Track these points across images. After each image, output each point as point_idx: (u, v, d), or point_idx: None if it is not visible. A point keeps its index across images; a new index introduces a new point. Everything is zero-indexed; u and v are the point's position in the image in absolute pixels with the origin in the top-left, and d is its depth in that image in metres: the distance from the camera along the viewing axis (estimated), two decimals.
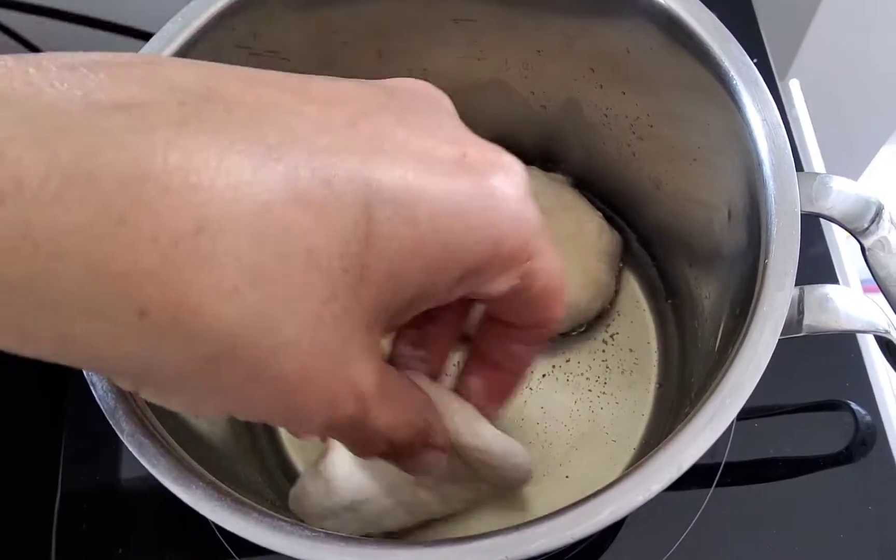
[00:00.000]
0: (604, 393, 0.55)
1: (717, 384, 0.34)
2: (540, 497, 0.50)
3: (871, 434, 0.57)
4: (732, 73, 0.39)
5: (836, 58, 0.82)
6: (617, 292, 0.58)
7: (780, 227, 0.36)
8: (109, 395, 0.36)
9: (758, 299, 0.35)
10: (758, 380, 0.34)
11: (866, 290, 0.68)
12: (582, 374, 0.56)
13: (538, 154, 0.60)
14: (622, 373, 0.56)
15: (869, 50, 0.83)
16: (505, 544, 0.31)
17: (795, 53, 0.81)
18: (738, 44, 0.40)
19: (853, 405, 0.58)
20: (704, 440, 0.33)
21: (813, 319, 0.38)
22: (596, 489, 0.32)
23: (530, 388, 0.55)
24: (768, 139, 0.38)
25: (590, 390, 0.55)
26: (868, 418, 0.57)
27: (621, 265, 0.58)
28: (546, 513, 0.32)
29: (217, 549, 0.53)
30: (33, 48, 0.81)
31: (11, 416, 0.57)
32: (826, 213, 0.39)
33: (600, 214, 0.57)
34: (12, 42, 0.79)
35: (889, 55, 0.84)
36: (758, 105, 0.38)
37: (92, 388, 0.36)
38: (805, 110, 0.71)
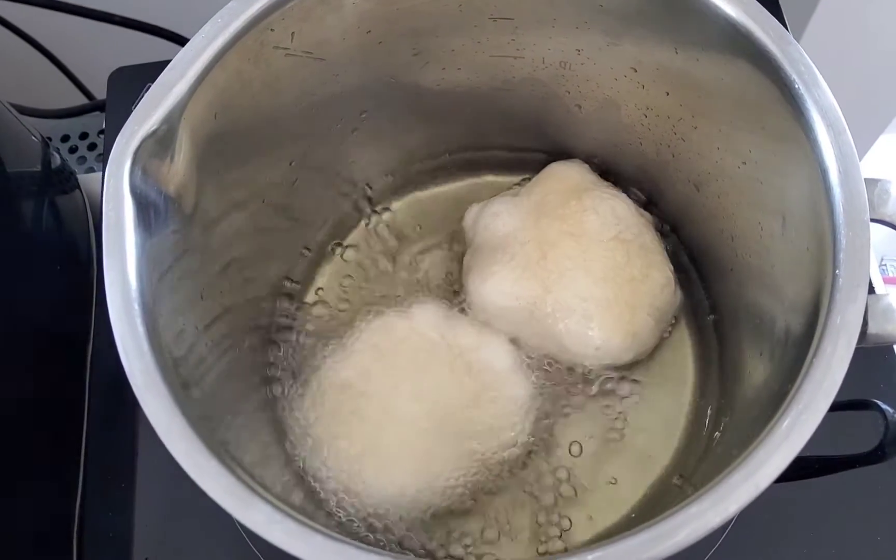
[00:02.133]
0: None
1: (790, 400, 0.33)
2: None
3: None
4: (794, 76, 0.38)
5: (836, 47, 0.82)
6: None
7: (850, 236, 0.35)
8: (162, 413, 0.34)
9: (829, 311, 0.34)
10: (833, 395, 0.33)
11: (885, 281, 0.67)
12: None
13: (552, 150, 0.60)
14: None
15: (867, 40, 0.83)
16: None
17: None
18: (799, 46, 0.39)
19: (882, 405, 0.57)
20: (781, 459, 0.32)
21: (878, 329, 0.37)
22: None
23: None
24: (834, 145, 0.37)
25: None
26: None
27: (670, 331, 0.56)
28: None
29: (246, 555, 0.52)
30: (43, 50, 0.79)
31: (29, 430, 0.55)
32: (888, 219, 0.39)
33: (672, 268, 0.55)
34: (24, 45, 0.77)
35: (887, 45, 0.84)
36: (822, 111, 0.38)
37: (144, 405, 0.34)
38: None
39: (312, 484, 0.50)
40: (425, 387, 0.51)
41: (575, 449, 0.53)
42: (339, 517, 0.49)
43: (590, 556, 0.31)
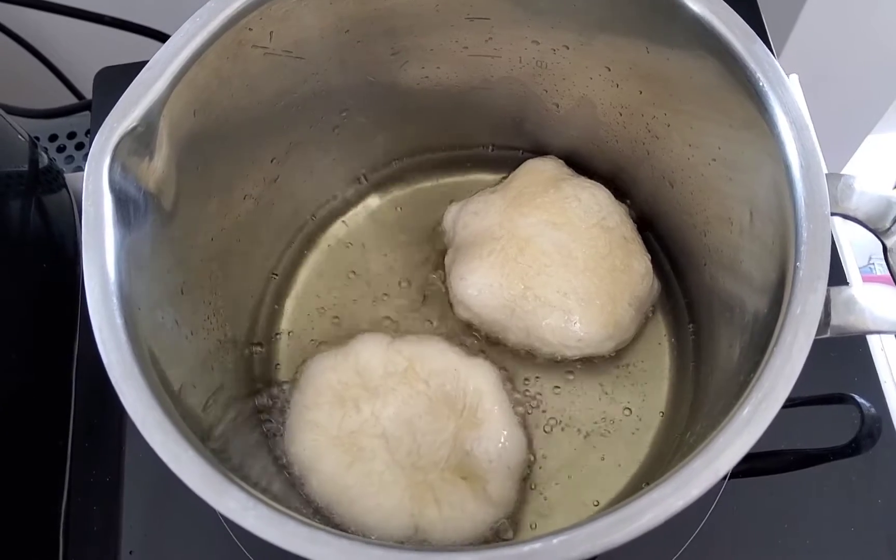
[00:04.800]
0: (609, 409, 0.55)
1: (751, 388, 0.34)
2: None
3: (877, 427, 0.57)
4: (759, 74, 0.39)
5: (823, 49, 0.83)
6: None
7: (811, 230, 0.36)
8: (139, 404, 0.35)
9: (789, 302, 0.35)
10: (792, 384, 0.34)
11: (865, 279, 0.68)
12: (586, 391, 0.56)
13: (531, 147, 0.61)
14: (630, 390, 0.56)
15: (855, 41, 0.84)
16: (545, 551, 0.32)
17: (784, 44, 0.82)
18: (764, 45, 0.40)
19: (858, 399, 0.58)
20: (742, 445, 0.33)
21: (840, 321, 0.38)
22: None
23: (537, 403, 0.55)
24: (796, 141, 0.38)
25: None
26: (873, 411, 0.58)
27: (650, 315, 0.57)
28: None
29: (230, 547, 0.53)
30: (32, 49, 0.80)
31: (15, 420, 0.56)
32: (850, 213, 0.39)
33: (650, 257, 0.56)
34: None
35: (875, 46, 0.85)
36: (784, 107, 0.39)
37: (121, 396, 0.35)
38: (805, 107, 0.71)
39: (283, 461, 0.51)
40: (422, 425, 0.50)
41: (550, 463, 0.53)
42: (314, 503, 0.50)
43: (555, 540, 0.32)
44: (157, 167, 0.42)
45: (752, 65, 0.39)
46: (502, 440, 0.50)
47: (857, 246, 0.67)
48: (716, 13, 0.41)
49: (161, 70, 0.41)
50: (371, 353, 0.52)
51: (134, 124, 0.40)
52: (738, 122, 0.42)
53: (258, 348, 0.56)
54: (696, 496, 0.32)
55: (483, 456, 0.49)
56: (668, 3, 0.42)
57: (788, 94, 0.39)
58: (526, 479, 0.52)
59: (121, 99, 0.40)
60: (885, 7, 0.79)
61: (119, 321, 0.36)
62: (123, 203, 0.39)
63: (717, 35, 0.41)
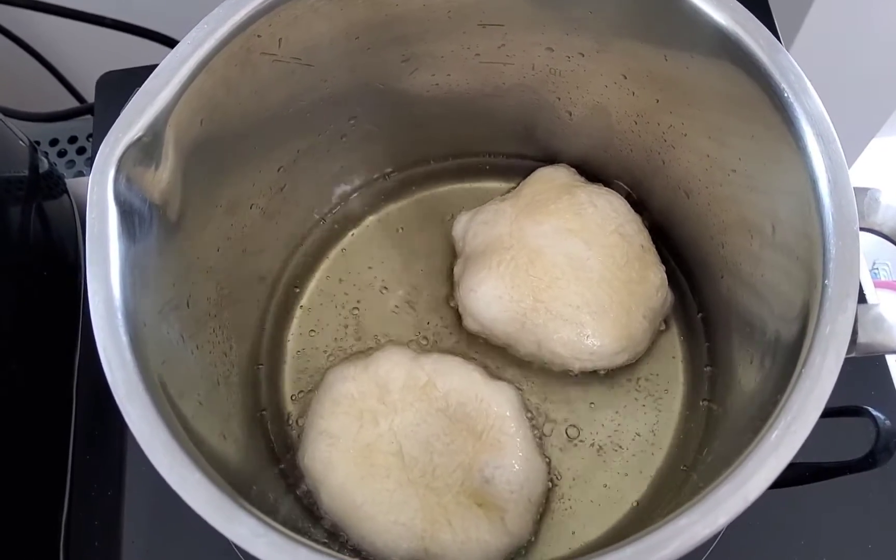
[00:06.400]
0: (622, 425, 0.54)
1: (779, 411, 0.33)
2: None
3: (894, 441, 0.56)
4: (784, 85, 0.38)
5: (828, 52, 0.82)
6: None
7: (839, 246, 0.35)
8: (145, 424, 0.34)
9: (818, 322, 0.34)
10: (823, 407, 0.33)
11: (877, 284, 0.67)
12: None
13: (542, 156, 0.60)
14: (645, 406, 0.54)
15: (860, 45, 0.83)
16: None
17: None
18: (789, 55, 0.38)
19: (874, 412, 0.57)
20: (770, 470, 0.32)
21: (868, 339, 0.37)
22: None
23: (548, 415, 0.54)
24: (824, 155, 0.37)
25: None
26: (889, 424, 0.57)
27: (663, 328, 0.56)
28: None
29: None
30: (32, 51, 0.79)
31: (14, 432, 0.55)
32: (877, 228, 0.38)
33: (664, 268, 0.54)
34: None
35: (879, 49, 0.84)
36: (811, 119, 0.37)
37: (126, 417, 0.34)
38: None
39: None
40: (439, 446, 0.49)
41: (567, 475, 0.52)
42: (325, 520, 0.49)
43: None
44: (162, 177, 0.40)
45: (776, 75, 0.38)
46: (525, 471, 0.49)
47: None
48: (739, 23, 0.39)
49: (168, 78, 0.40)
50: (393, 365, 0.51)
51: (139, 134, 0.39)
52: (760, 135, 0.41)
53: (263, 360, 0.55)
54: (724, 524, 0.31)
55: (504, 486, 0.48)
56: (689, 11, 0.41)
57: (814, 105, 0.38)
58: (543, 510, 0.51)
59: (126, 108, 0.39)
60: (890, 9, 0.78)
61: (124, 339, 0.35)
62: (128, 215, 0.38)
63: (740, 44, 0.39)
